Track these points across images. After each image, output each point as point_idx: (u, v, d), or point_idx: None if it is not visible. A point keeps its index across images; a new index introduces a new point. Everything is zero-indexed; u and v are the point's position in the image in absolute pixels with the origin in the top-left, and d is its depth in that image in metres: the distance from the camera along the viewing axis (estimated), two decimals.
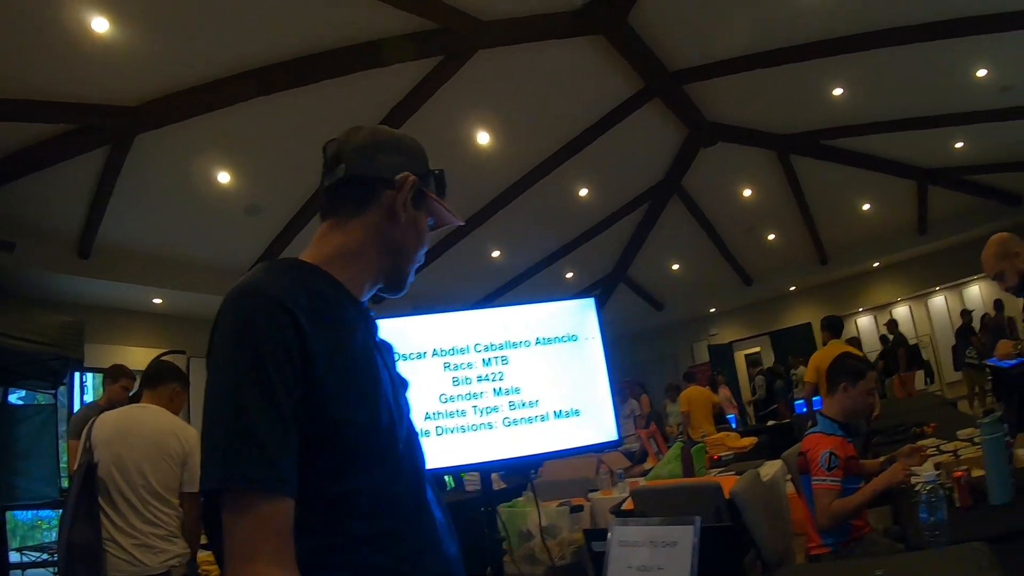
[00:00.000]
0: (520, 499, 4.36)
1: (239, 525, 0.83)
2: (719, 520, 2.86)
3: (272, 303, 0.91)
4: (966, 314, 10.63)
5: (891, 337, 11.26)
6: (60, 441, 5.98)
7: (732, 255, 12.51)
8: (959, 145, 8.99)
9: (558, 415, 2.32)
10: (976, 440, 2.76)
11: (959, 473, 2.16)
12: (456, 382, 2.26)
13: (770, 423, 10.30)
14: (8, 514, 5.76)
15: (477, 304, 9.11)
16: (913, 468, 2.58)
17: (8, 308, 5.82)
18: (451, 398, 2.24)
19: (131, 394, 4.20)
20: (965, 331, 10.26)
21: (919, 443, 3.33)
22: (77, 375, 7.22)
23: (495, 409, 2.26)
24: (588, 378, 2.42)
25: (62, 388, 6.49)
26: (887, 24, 6.36)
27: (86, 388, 7.65)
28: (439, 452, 2.19)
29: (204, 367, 0.96)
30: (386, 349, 1.14)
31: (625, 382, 12.51)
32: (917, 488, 1.97)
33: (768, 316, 14.82)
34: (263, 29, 5.27)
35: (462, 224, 1.24)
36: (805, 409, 6.75)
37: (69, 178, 5.76)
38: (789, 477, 3.51)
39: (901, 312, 13.31)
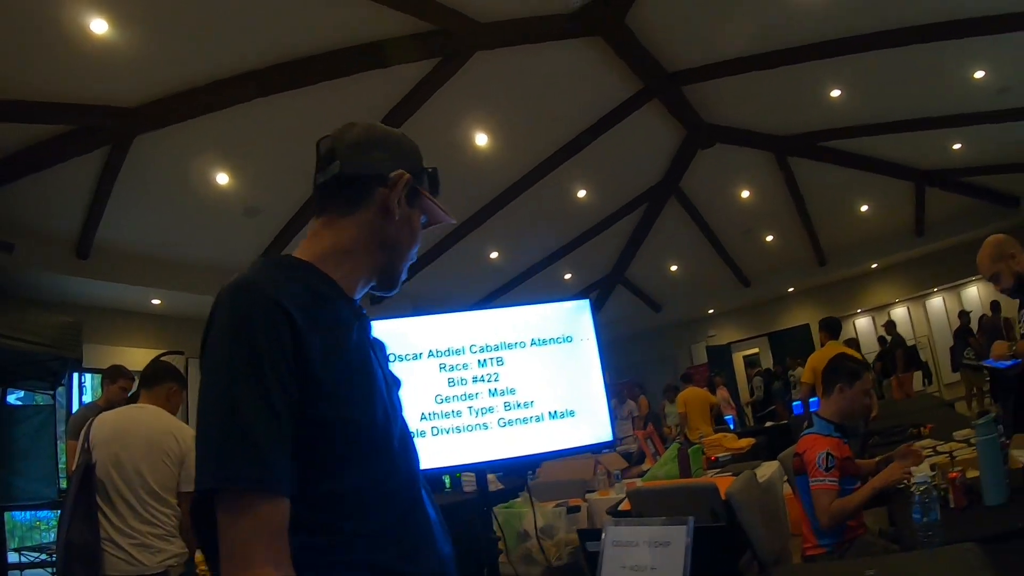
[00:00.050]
0: (517, 500, 4.36)
1: (236, 526, 0.82)
2: (715, 521, 2.86)
3: (268, 300, 0.90)
4: (964, 315, 10.65)
5: (889, 338, 11.28)
6: (59, 442, 5.99)
7: (730, 256, 12.52)
8: (957, 147, 9.00)
9: (553, 416, 2.33)
10: (972, 441, 2.77)
11: (954, 474, 2.17)
12: (452, 383, 2.27)
13: (768, 424, 10.31)
14: (7, 515, 5.77)
15: (475, 305, 9.13)
16: (911, 468, 2.59)
17: (7, 308, 5.83)
18: (447, 399, 2.25)
19: (129, 395, 4.21)
20: (963, 332, 10.27)
21: (915, 444, 3.35)
22: (76, 375, 7.22)
23: (490, 410, 2.27)
24: (583, 379, 2.43)
25: (61, 389, 6.50)
26: (884, 26, 6.38)
27: (85, 389, 7.66)
28: (435, 453, 2.20)
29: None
30: (379, 347, 1.14)
31: (623, 383, 12.53)
32: (911, 489, 1.98)
33: (766, 317, 14.83)
34: (262, 31, 5.28)
35: (454, 222, 1.24)
36: (803, 410, 6.76)
37: (68, 179, 5.77)
38: (786, 478, 3.52)
39: (899, 313, 13.33)
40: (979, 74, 7.14)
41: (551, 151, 8.38)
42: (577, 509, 4.19)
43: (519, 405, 2.30)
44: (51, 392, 6.26)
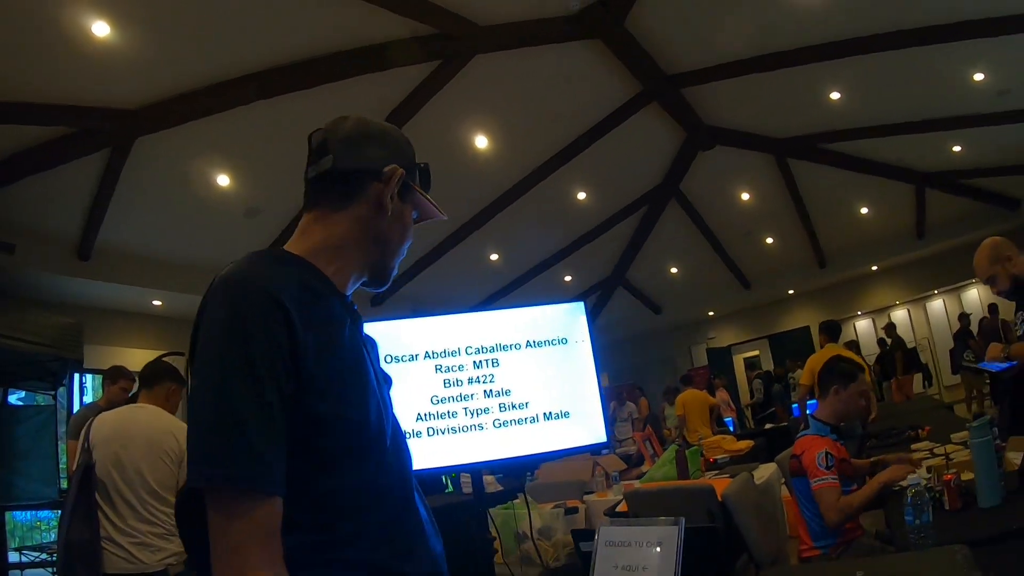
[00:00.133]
0: (516, 501, 4.37)
1: (230, 526, 0.81)
2: (712, 523, 2.87)
3: (263, 295, 0.89)
4: (964, 317, 10.65)
5: (889, 340, 11.28)
6: (59, 442, 6.00)
7: (730, 259, 12.52)
8: (957, 149, 9.01)
9: (548, 417, 2.35)
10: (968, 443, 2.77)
11: (949, 476, 2.18)
12: (447, 384, 2.29)
13: (767, 426, 10.31)
14: (7, 515, 5.79)
15: (475, 307, 9.15)
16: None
17: (8, 309, 5.85)
18: (442, 399, 2.27)
19: (130, 395, 4.23)
20: (963, 334, 10.27)
21: (912, 446, 3.36)
22: (76, 376, 7.24)
23: (486, 411, 2.29)
24: (577, 380, 2.45)
25: (62, 389, 6.52)
26: (883, 28, 6.38)
27: (85, 389, 7.68)
28: (430, 453, 2.22)
29: None
30: (370, 344, 1.13)
31: (623, 386, 12.54)
32: (906, 490, 1.98)
33: (767, 320, 14.83)
34: (262, 33, 5.30)
35: (445, 218, 1.23)
36: (801, 413, 6.76)
37: (69, 180, 5.79)
38: (783, 481, 3.53)
39: (900, 315, 13.33)
40: (979, 76, 7.14)
41: (551, 153, 8.39)
42: (575, 511, 4.19)
43: (514, 406, 2.32)
44: (52, 393, 6.28)
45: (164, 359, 3.20)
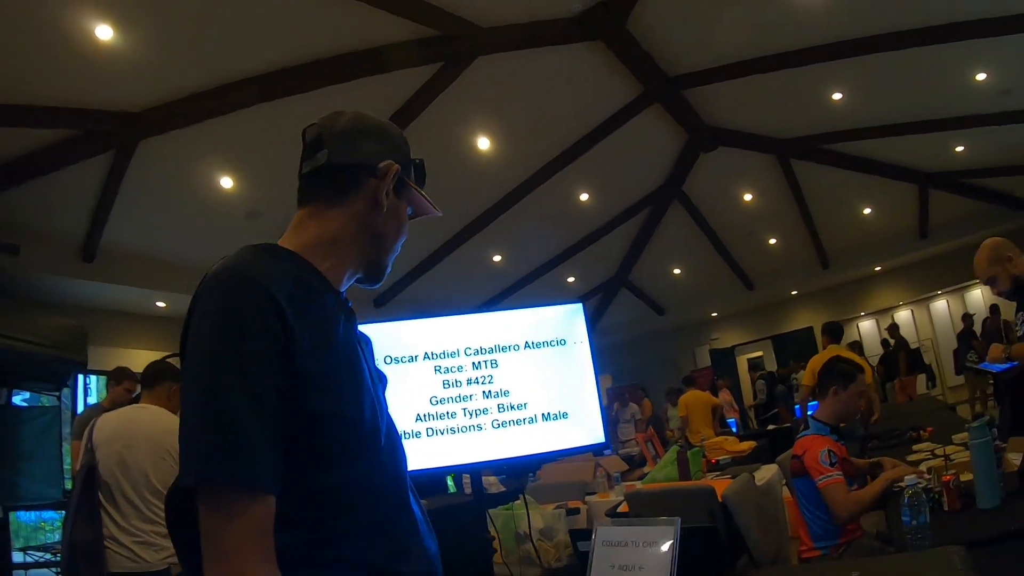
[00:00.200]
0: (517, 502, 4.38)
1: (223, 525, 0.80)
2: (713, 523, 2.87)
3: (258, 290, 0.87)
4: (968, 318, 10.62)
5: (892, 341, 11.26)
6: (64, 443, 6.03)
7: (733, 259, 12.51)
8: (960, 149, 8.99)
9: (546, 417, 2.36)
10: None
11: (948, 477, 2.18)
12: (446, 385, 2.30)
13: (770, 427, 10.30)
14: (12, 515, 5.81)
15: (478, 309, 9.16)
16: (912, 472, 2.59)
17: (12, 310, 5.87)
18: (441, 400, 2.28)
19: (134, 396, 4.25)
20: (966, 335, 10.25)
21: (914, 447, 3.36)
22: (80, 377, 7.27)
23: (485, 411, 2.30)
24: (576, 381, 2.46)
25: (66, 390, 6.55)
26: (885, 28, 6.38)
27: (90, 390, 7.71)
28: (429, 453, 2.23)
29: None
30: (365, 342, 1.11)
31: (626, 387, 12.54)
32: (904, 491, 1.99)
33: (770, 320, 14.82)
34: (264, 37, 5.32)
35: (439, 215, 1.22)
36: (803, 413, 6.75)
37: (73, 182, 5.82)
38: (784, 481, 3.53)
39: (903, 316, 13.30)
40: (981, 76, 7.13)
41: (553, 155, 8.40)
42: (577, 511, 4.20)
43: (513, 407, 2.33)
44: (56, 394, 6.31)
45: (166, 360, 3.22)
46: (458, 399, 2.29)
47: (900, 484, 2.34)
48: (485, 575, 2.26)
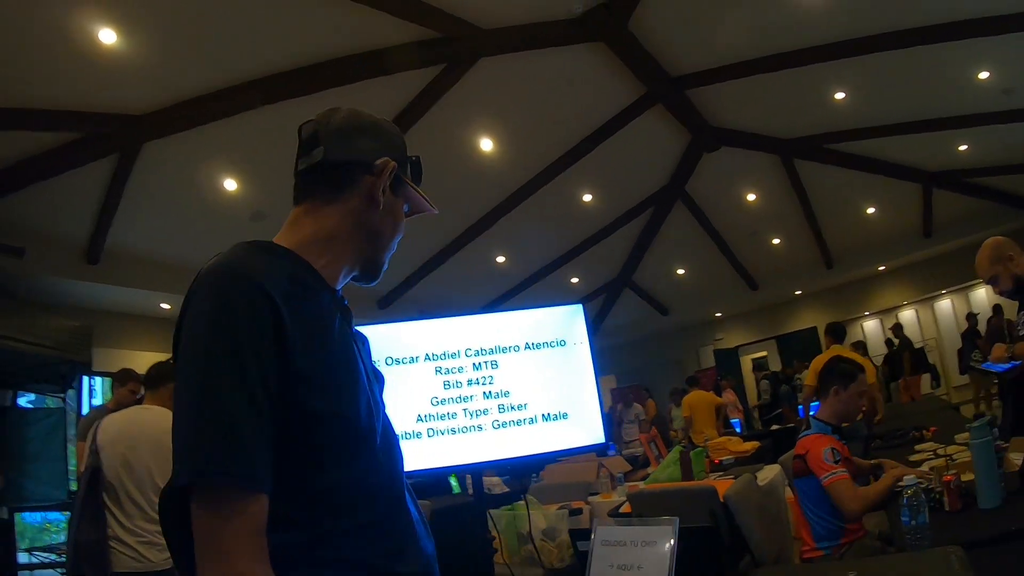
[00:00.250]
0: (520, 502, 4.39)
1: (216, 524, 0.79)
2: (715, 523, 2.88)
3: (252, 286, 0.86)
4: (972, 317, 10.59)
5: (896, 341, 11.22)
6: (69, 444, 6.06)
7: (737, 260, 12.49)
8: (963, 148, 8.97)
9: (546, 418, 2.37)
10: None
11: (949, 477, 2.18)
12: (447, 385, 2.31)
13: (774, 428, 10.28)
14: (17, 516, 5.84)
15: (482, 310, 9.17)
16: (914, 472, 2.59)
17: (18, 313, 5.91)
18: (442, 401, 2.30)
19: (138, 397, 4.28)
20: (971, 334, 10.22)
21: (916, 447, 3.36)
22: (85, 379, 7.30)
23: (485, 412, 2.31)
24: (576, 382, 2.47)
25: (71, 392, 6.58)
26: (887, 28, 6.37)
27: (94, 392, 7.73)
28: (430, 454, 2.24)
29: None
30: (361, 340, 1.10)
31: (630, 387, 12.54)
32: (904, 491, 1.99)
33: (774, 320, 14.79)
34: (267, 39, 5.35)
35: (435, 212, 1.21)
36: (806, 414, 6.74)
37: (78, 185, 5.85)
38: (787, 482, 3.53)
39: (907, 316, 13.26)
40: (983, 75, 7.11)
41: (556, 156, 8.40)
42: (580, 512, 4.21)
43: (513, 407, 2.34)
44: (61, 395, 6.34)
45: (170, 361, 3.24)
46: (459, 400, 2.30)
47: (900, 484, 2.34)
48: (486, 575, 2.27)
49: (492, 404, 2.32)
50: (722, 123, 8.66)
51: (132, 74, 5.10)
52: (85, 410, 7.14)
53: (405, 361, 2.30)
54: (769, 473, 3.95)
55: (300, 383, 0.88)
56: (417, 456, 2.20)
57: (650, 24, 6.49)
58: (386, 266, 1.15)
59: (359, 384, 0.97)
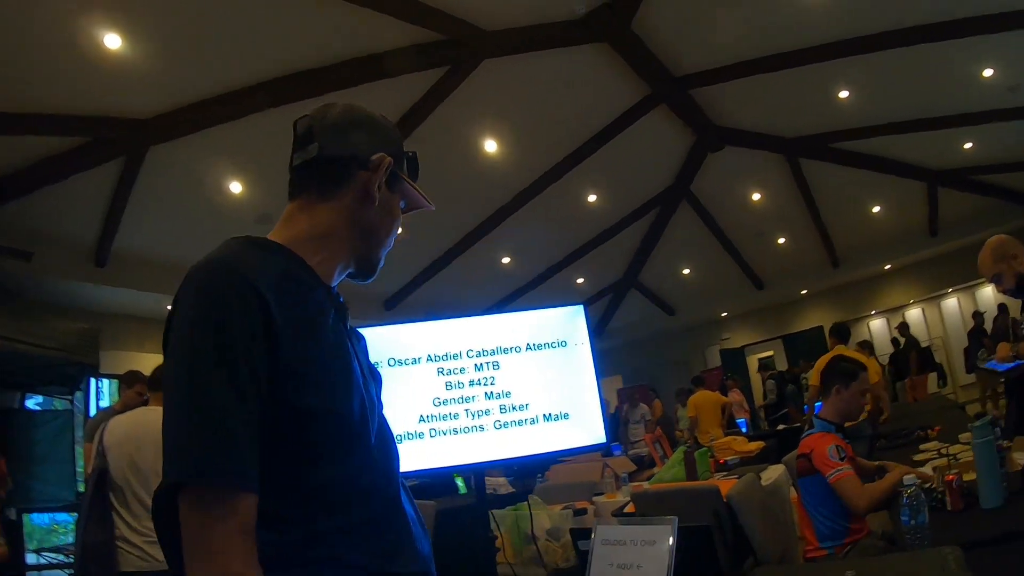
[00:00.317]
0: (525, 503, 4.39)
1: (207, 523, 0.78)
2: (719, 523, 2.88)
3: (242, 282, 0.85)
4: (978, 316, 10.52)
5: (902, 340, 11.17)
6: (77, 446, 6.10)
7: (743, 259, 12.47)
8: (968, 146, 8.93)
9: (548, 418, 2.39)
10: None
11: (951, 476, 2.17)
12: (449, 386, 2.33)
13: (780, 427, 10.26)
14: (25, 517, 5.88)
15: (487, 311, 9.19)
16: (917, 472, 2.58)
17: (26, 315, 5.95)
18: (444, 401, 2.31)
19: (145, 398, 4.30)
20: (977, 333, 10.15)
21: (921, 446, 3.35)
22: (93, 381, 7.34)
23: (487, 412, 2.33)
24: (577, 382, 2.48)
25: (78, 394, 6.62)
26: (891, 25, 6.36)
27: (102, 394, 7.78)
28: (432, 454, 2.26)
29: None
30: (357, 339, 1.09)
31: (636, 387, 12.52)
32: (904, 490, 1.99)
33: (780, 320, 14.74)
34: (271, 44, 5.38)
35: (433, 208, 1.18)
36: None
37: (85, 189, 5.90)
38: (792, 481, 3.52)
39: (914, 314, 13.19)
40: (988, 72, 7.09)
41: (561, 156, 8.41)
42: (584, 512, 4.21)
43: (515, 408, 2.36)
44: (69, 397, 6.38)
45: None
46: (460, 400, 2.32)
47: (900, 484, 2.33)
48: (488, 575, 2.29)
49: (494, 404, 2.34)
50: (726, 123, 8.65)
51: (137, 79, 5.14)
52: (93, 412, 7.18)
53: (407, 362, 2.31)
54: (773, 473, 3.95)
55: (291, 379, 0.86)
56: (419, 456, 2.21)
57: (653, 24, 6.50)
58: (383, 263, 1.14)
59: (352, 381, 0.96)
